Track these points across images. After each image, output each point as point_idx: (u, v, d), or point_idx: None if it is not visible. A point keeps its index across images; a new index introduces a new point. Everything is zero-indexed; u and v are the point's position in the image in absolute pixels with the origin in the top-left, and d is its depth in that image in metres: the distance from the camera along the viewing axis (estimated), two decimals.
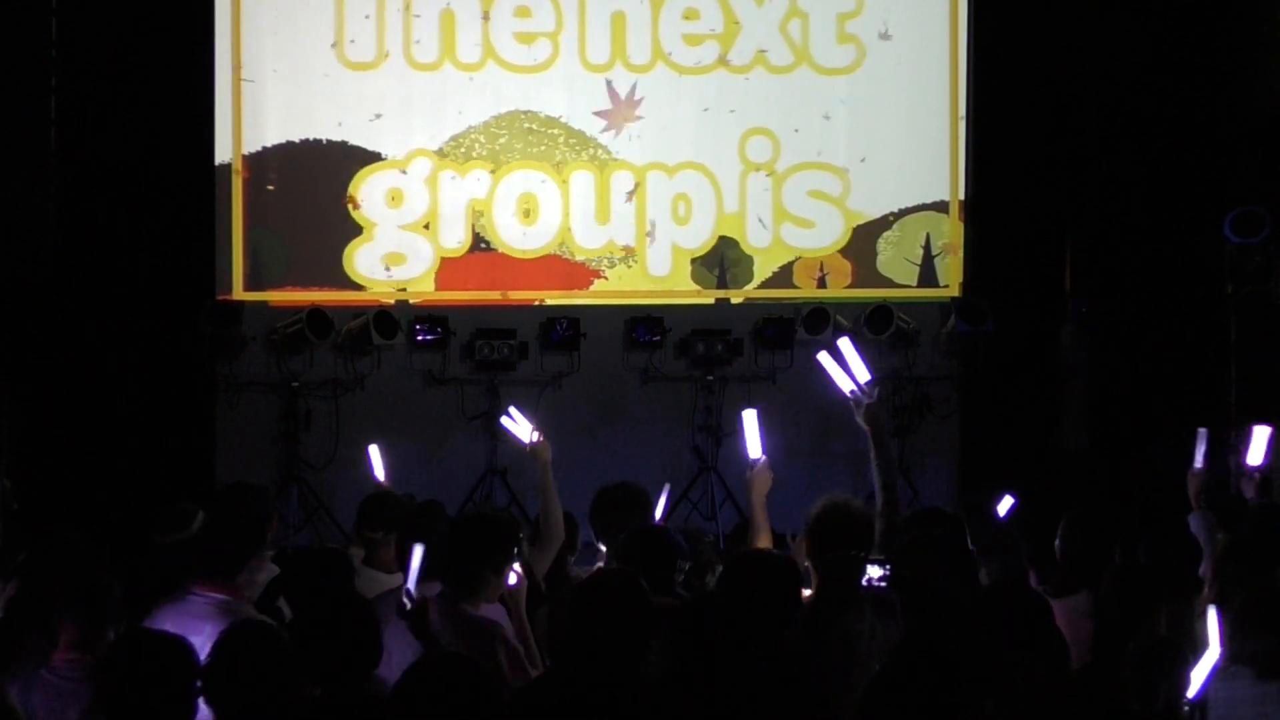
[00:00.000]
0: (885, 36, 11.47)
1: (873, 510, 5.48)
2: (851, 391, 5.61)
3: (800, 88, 11.44)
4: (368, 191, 11.21)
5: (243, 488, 7.06)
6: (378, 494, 7.08)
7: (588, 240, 11.37)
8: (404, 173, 11.22)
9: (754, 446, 6.32)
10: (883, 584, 4.73)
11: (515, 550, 5.48)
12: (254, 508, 6.39)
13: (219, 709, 4.20)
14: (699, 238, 11.43)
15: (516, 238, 11.30)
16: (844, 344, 5.70)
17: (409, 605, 4.81)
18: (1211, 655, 4.77)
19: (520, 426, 6.36)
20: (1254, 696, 4.91)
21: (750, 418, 6.39)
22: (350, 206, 11.16)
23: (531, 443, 6.42)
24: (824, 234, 11.49)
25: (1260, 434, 7.04)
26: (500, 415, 6.39)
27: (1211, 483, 6.82)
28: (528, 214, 11.31)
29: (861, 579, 4.87)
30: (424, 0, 11.22)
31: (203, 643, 5.03)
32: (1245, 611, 5.04)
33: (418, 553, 4.93)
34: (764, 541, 6.01)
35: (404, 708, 4.06)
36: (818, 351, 6.01)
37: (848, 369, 5.64)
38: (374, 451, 7.44)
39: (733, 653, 4.70)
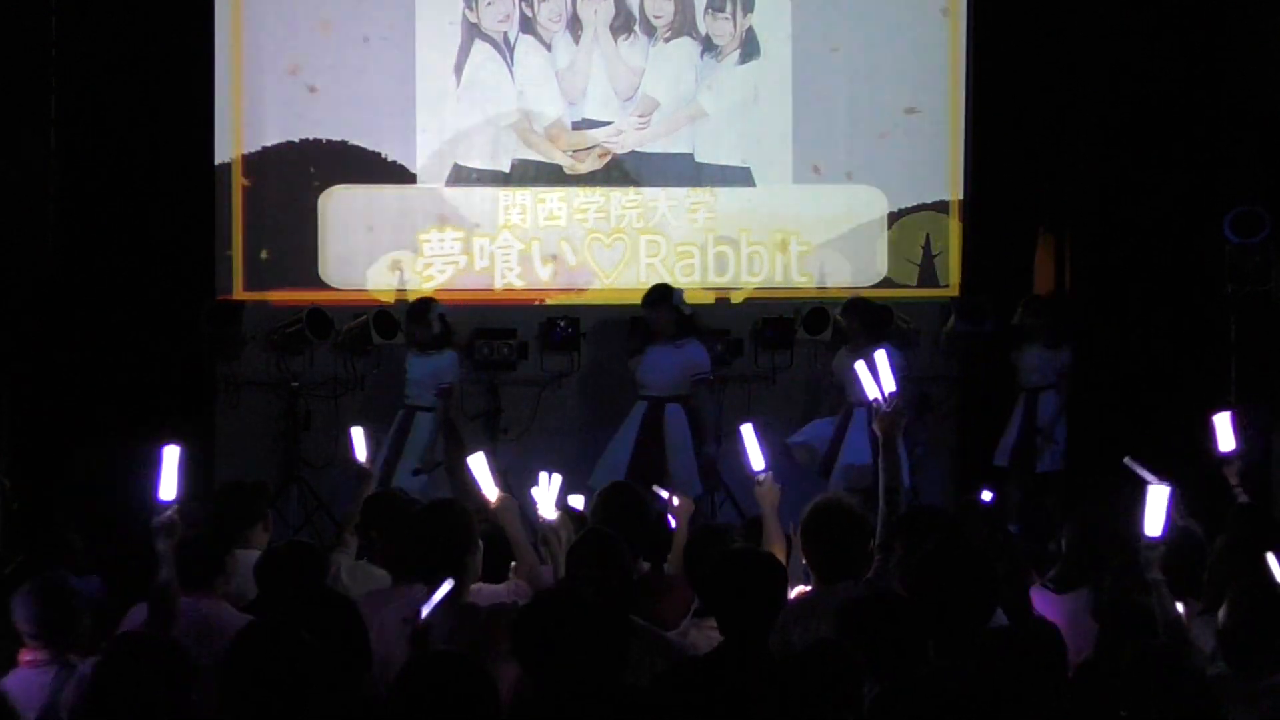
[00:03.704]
0: (885, 36, 11.48)
1: (866, 508, 5.51)
2: (874, 400, 5.70)
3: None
4: (370, 193, 11.24)
5: (234, 487, 7.07)
6: (384, 493, 7.09)
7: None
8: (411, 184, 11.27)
9: (756, 459, 6.39)
10: None
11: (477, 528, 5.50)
12: (233, 508, 6.38)
13: (234, 710, 4.17)
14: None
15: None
16: (880, 356, 5.80)
17: (418, 626, 4.86)
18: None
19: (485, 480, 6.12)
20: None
21: (749, 432, 6.46)
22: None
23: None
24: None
25: (1221, 421, 7.06)
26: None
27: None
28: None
29: None
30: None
31: None
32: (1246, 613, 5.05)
33: (446, 587, 4.96)
34: (778, 551, 6.05)
35: (403, 708, 4.05)
36: (854, 360, 6.16)
37: (878, 380, 5.73)
38: (357, 434, 7.30)
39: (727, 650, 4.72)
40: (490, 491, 5.93)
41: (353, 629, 4.52)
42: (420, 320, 10.26)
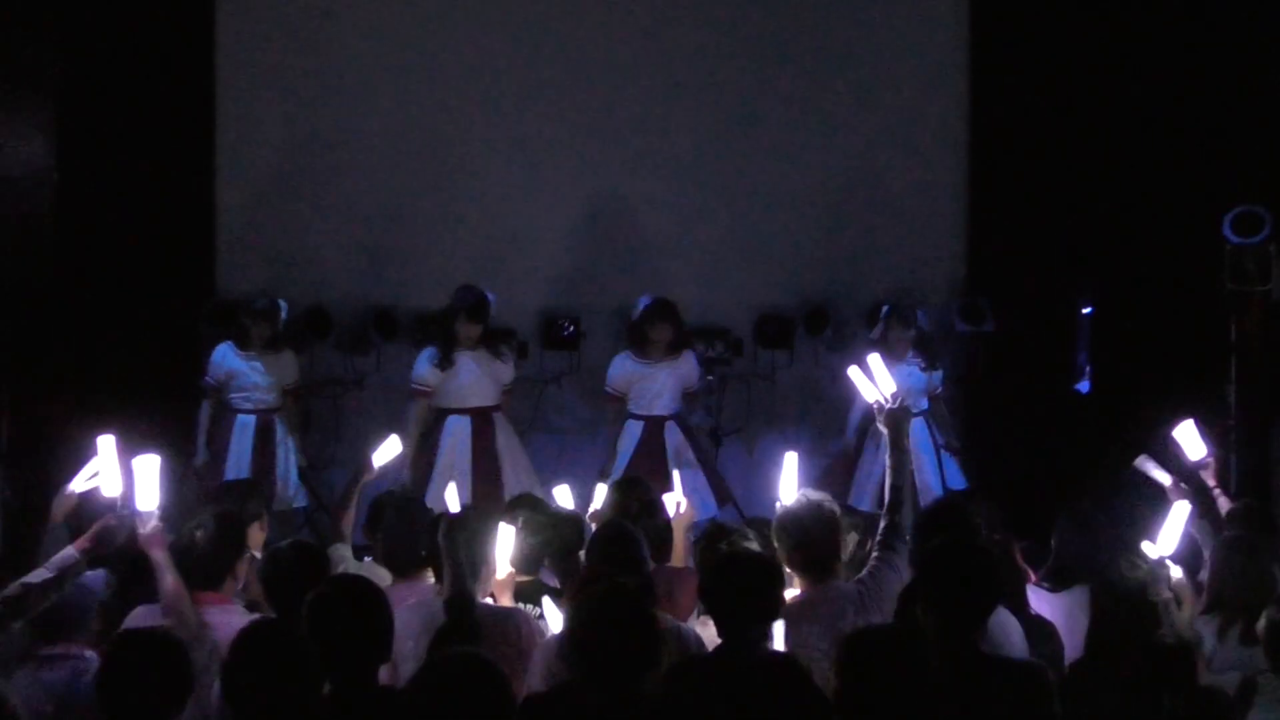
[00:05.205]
0: (886, 35, 11.50)
1: (836, 508, 5.52)
2: (876, 401, 5.73)
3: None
4: (373, 193, 11.27)
5: (229, 487, 7.07)
6: (390, 494, 7.13)
7: None
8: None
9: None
10: None
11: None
12: (237, 509, 6.41)
13: (238, 708, 4.19)
14: None
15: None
16: (874, 359, 5.83)
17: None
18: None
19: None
20: None
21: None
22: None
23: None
24: None
25: (1184, 432, 7.06)
26: None
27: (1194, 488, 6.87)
28: None
29: None
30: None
31: None
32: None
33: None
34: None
35: (419, 704, 4.05)
36: (847, 366, 6.20)
37: (875, 382, 5.77)
38: (391, 443, 7.44)
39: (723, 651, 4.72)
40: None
41: (380, 618, 4.53)
42: (272, 320, 9.94)
